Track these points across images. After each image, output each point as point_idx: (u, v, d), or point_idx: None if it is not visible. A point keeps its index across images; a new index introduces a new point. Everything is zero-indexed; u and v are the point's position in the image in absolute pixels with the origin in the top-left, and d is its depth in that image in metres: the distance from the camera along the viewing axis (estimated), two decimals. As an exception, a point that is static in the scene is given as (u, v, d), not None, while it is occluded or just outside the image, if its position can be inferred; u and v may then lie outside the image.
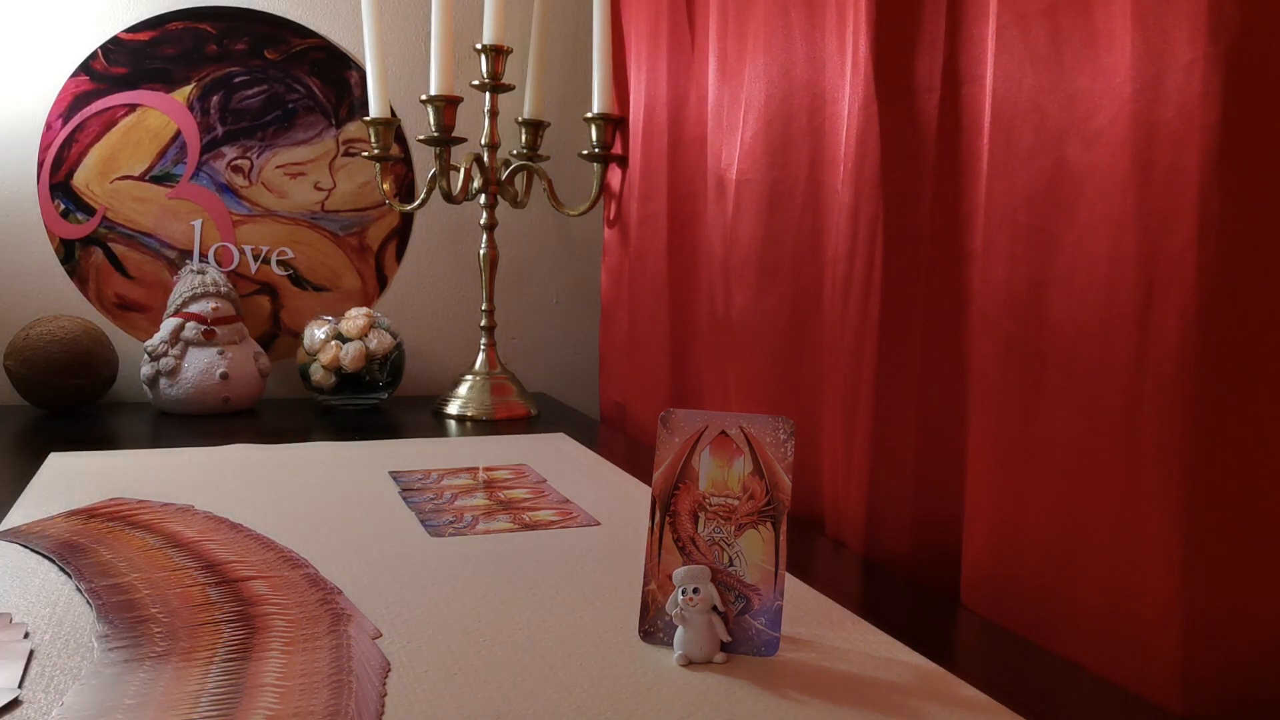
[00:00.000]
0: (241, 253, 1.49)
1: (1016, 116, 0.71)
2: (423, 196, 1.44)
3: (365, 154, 1.43)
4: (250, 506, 0.91)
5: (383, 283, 1.56)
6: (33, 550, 0.78)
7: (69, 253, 1.42)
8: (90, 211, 1.42)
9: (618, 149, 1.44)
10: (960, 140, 0.79)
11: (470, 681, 0.58)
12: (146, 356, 1.35)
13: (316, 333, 1.40)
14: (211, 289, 1.38)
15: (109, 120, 1.42)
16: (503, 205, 1.46)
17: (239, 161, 1.47)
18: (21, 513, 0.88)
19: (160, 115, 1.43)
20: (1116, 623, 0.62)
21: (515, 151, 1.47)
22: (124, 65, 1.42)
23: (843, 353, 0.89)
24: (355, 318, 1.40)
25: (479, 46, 1.37)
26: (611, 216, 1.47)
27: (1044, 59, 0.69)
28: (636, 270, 1.37)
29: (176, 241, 1.46)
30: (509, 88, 1.40)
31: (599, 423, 1.46)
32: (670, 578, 0.63)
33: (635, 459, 1.16)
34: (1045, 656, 0.66)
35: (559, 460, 1.14)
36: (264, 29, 1.47)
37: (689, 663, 0.61)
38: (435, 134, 1.36)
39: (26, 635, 0.63)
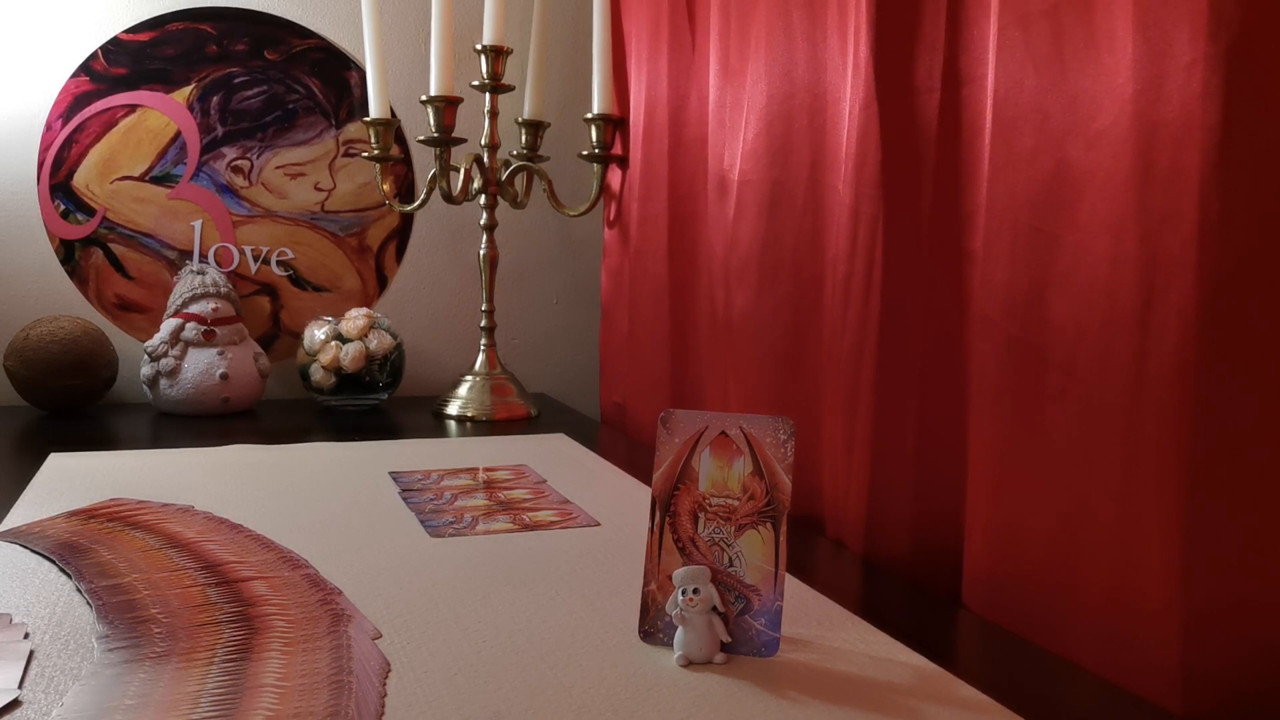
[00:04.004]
0: (241, 253, 1.49)
1: (1017, 117, 0.71)
2: (423, 197, 1.44)
3: (365, 154, 1.43)
4: (250, 507, 0.91)
5: (383, 283, 1.56)
6: (33, 550, 0.78)
7: (69, 253, 1.42)
8: (90, 212, 1.42)
9: (618, 149, 1.44)
10: (961, 141, 0.79)
11: (470, 681, 0.58)
12: (146, 357, 1.35)
13: (316, 333, 1.40)
14: (211, 289, 1.38)
15: (109, 121, 1.42)
16: (503, 205, 1.46)
17: (239, 162, 1.47)
18: (21, 513, 0.88)
19: (160, 116, 1.43)
20: (1116, 623, 0.62)
21: (515, 152, 1.47)
22: (124, 66, 1.42)
23: (843, 353, 0.89)
24: (355, 318, 1.40)
25: (479, 47, 1.37)
26: (611, 217, 1.47)
27: (1045, 60, 0.69)
28: (636, 270, 1.37)
29: (176, 242, 1.46)
30: (509, 88, 1.40)
31: (599, 423, 1.46)
32: (670, 578, 0.63)
33: (635, 459, 1.16)
34: (1045, 656, 0.66)
35: (559, 461, 1.14)
36: (264, 29, 1.47)
37: (689, 663, 0.61)
38: (435, 134, 1.36)
39: (26, 635, 0.63)
